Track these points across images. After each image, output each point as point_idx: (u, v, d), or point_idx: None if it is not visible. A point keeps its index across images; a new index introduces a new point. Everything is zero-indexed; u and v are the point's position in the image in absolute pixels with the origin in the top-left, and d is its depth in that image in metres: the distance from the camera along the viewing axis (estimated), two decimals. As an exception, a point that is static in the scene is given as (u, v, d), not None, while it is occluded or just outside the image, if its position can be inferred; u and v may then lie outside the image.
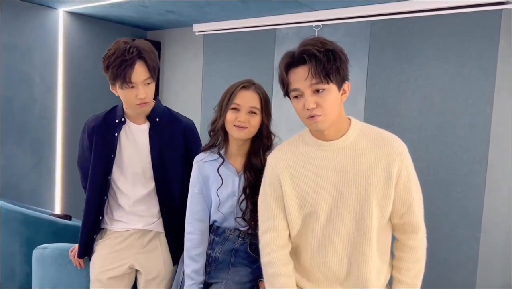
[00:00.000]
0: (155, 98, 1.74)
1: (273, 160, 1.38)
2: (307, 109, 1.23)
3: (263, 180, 1.41)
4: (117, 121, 1.70)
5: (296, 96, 1.25)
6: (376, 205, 1.26)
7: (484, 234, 2.72)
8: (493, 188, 2.70)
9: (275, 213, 1.35)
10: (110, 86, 1.63)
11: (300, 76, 1.22)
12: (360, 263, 1.29)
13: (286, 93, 1.31)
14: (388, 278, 1.39)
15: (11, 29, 3.38)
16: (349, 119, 1.34)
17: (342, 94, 1.27)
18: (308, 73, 1.20)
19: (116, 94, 1.65)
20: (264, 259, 1.37)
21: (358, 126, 1.32)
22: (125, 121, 1.71)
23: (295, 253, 1.39)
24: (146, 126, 1.72)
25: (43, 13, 3.60)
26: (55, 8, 3.66)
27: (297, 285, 1.39)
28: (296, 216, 1.33)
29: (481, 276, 2.73)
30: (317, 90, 1.22)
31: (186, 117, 1.84)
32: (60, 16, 3.73)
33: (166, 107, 1.80)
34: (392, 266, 1.39)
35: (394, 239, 1.39)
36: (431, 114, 2.90)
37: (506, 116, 2.67)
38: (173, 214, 1.76)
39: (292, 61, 1.23)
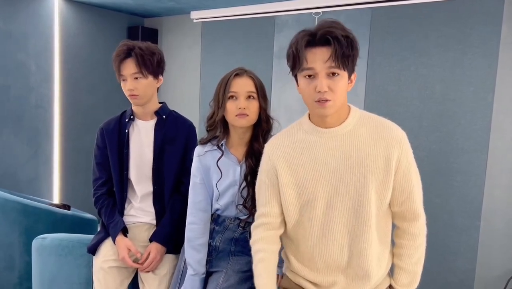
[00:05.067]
0: (162, 102, 1.89)
1: (270, 148, 1.37)
2: (319, 92, 1.20)
3: (260, 167, 1.41)
4: (127, 119, 1.84)
5: (309, 76, 1.23)
6: (375, 193, 1.26)
7: (483, 222, 2.73)
8: (493, 176, 2.70)
9: (268, 200, 1.36)
10: None
11: (319, 57, 1.19)
12: (361, 250, 1.29)
13: (295, 72, 1.28)
14: (389, 265, 1.39)
15: (5, 16, 3.32)
16: (349, 106, 1.33)
17: (349, 83, 1.27)
18: (330, 55, 1.18)
19: None
20: (252, 239, 1.41)
21: (357, 114, 1.31)
22: (133, 118, 1.83)
23: (295, 243, 1.39)
24: (152, 122, 1.83)
25: (38, 0, 3.54)
26: (50, -5, 3.61)
27: (298, 275, 1.39)
28: (293, 203, 1.32)
29: (481, 264, 2.75)
30: (332, 74, 1.20)
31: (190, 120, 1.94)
32: (56, 3, 3.67)
33: (173, 110, 1.93)
34: (393, 254, 1.39)
35: (394, 226, 1.38)
36: (432, 102, 2.88)
37: (507, 104, 2.66)
38: (163, 206, 1.82)
39: (313, 40, 1.20)
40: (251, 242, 1.40)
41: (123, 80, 1.75)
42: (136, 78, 1.73)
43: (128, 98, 1.77)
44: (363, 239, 1.28)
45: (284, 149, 1.33)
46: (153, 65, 1.75)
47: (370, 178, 1.24)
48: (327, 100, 1.21)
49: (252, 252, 1.39)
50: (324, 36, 1.18)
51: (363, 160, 1.25)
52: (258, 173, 1.41)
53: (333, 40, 1.17)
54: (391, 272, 1.40)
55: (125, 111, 1.89)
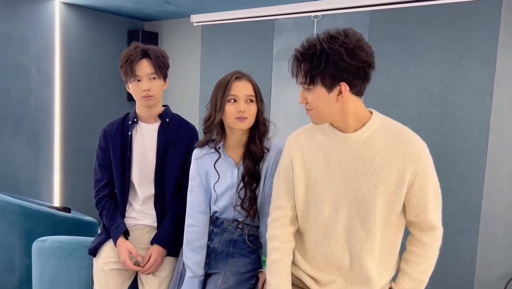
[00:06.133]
0: (165, 105, 1.89)
1: (290, 142, 1.41)
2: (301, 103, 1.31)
3: (280, 160, 1.44)
4: (130, 122, 1.84)
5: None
6: (384, 203, 1.25)
7: (482, 225, 2.74)
8: (492, 179, 2.71)
9: (284, 193, 1.39)
10: (126, 85, 1.83)
11: (296, 73, 1.28)
12: (362, 257, 1.29)
13: None
14: (394, 273, 1.38)
15: (5, 19, 3.34)
16: (371, 112, 1.32)
17: (338, 94, 1.23)
18: (294, 73, 1.27)
19: (130, 92, 1.84)
20: (268, 233, 1.43)
21: (378, 121, 1.29)
22: (137, 121, 1.84)
23: (301, 237, 1.41)
24: (156, 125, 1.84)
25: (38, 3, 3.56)
26: (51, -1, 3.63)
27: (300, 268, 1.41)
28: (302, 199, 1.35)
29: (480, 266, 2.75)
30: (307, 88, 1.26)
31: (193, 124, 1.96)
32: (56, 7, 3.69)
33: (175, 113, 1.94)
34: (399, 264, 1.38)
35: (408, 233, 1.37)
36: (431, 105, 2.89)
37: (505, 106, 2.67)
38: (164, 208, 1.83)
39: (295, 58, 1.28)
40: (268, 236, 1.42)
41: (138, 80, 1.74)
42: (152, 78, 1.75)
43: (141, 99, 1.76)
44: (365, 246, 1.28)
45: (302, 145, 1.36)
46: (165, 68, 1.79)
47: (380, 188, 1.24)
48: (308, 110, 1.30)
49: (268, 248, 1.42)
50: (295, 56, 1.26)
51: (376, 169, 1.24)
52: (278, 165, 1.44)
53: (296, 61, 1.25)
54: (393, 280, 1.39)
55: (128, 113, 1.89)
